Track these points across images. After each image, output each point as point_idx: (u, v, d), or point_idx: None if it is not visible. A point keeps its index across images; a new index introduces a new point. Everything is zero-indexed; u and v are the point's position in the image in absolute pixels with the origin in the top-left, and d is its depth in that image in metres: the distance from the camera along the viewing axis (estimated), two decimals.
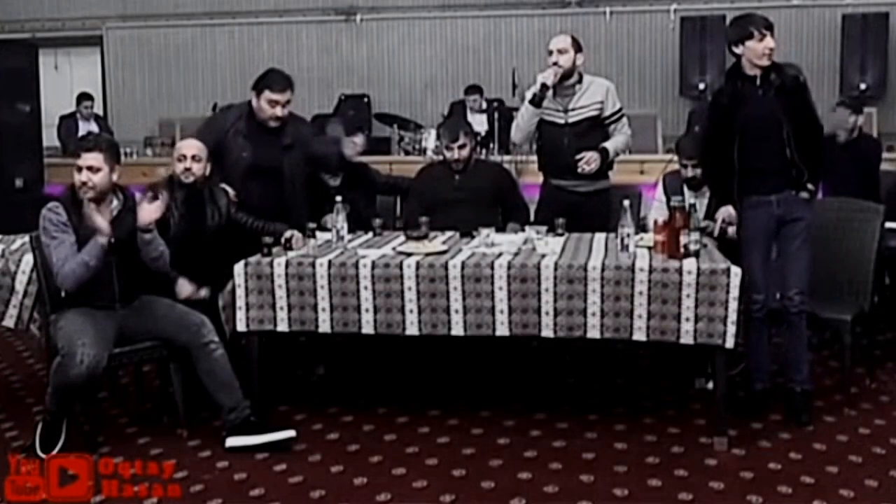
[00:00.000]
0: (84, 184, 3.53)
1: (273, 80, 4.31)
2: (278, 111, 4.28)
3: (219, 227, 4.09)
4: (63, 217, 3.52)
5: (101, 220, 3.47)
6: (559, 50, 4.39)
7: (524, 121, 4.53)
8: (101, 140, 3.74)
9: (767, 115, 3.65)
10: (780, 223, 3.74)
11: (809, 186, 3.71)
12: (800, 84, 3.72)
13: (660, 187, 4.49)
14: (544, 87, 4.36)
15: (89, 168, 3.51)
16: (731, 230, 4.21)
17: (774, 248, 3.82)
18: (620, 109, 4.52)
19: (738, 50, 3.68)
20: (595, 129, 4.46)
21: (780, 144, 3.65)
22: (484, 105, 8.42)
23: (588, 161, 4.35)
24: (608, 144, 4.45)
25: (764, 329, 3.84)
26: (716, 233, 3.90)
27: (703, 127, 3.92)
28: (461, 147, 4.61)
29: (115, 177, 3.59)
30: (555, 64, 4.36)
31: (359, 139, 4.60)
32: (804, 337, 3.79)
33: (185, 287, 3.82)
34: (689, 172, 4.33)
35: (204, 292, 3.84)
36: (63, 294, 3.56)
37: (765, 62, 3.64)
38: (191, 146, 4.09)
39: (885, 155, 5.99)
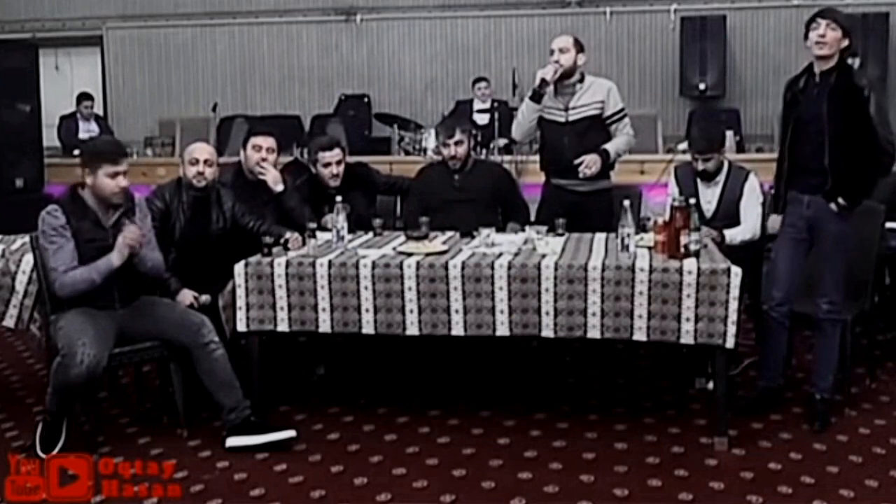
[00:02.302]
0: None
1: (256, 129, 4.65)
2: (264, 154, 4.39)
3: (223, 230, 4.11)
4: (62, 220, 3.51)
5: (126, 243, 3.49)
6: (560, 49, 4.41)
7: (524, 117, 4.55)
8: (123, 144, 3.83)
9: (812, 116, 3.56)
10: (812, 226, 3.67)
11: (840, 201, 3.55)
12: (857, 91, 3.47)
13: (672, 182, 4.49)
14: (543, 82, 4.38)
15: (125, 173, 3.54)
16: (730, 235, 4.22)
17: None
18: (623, 109, 4.52)
19: (808, 44, 3.59)
20: (596, 128, 4.47)
21: (818, 148, 3.55)
22: (489, 103, 8.41)
23: (588, 165, 4.36)
24: (609, 146, 4.45)
25: (781, 328, 3.80)
26: (709, 242, 3.88)
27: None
28: (457, 143, 4.61)
29: None
30: (556, 62, 4.38)
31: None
32: (833, 345, 3.70)
33: (186, 296, 3.85)
34: (700, 166, 4.34)
35: (204, 298, 3.85)
36: None
37: (815, 51, 3.52)
38: (203, 150, 4.12)
39: None
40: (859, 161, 3.53)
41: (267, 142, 4.42)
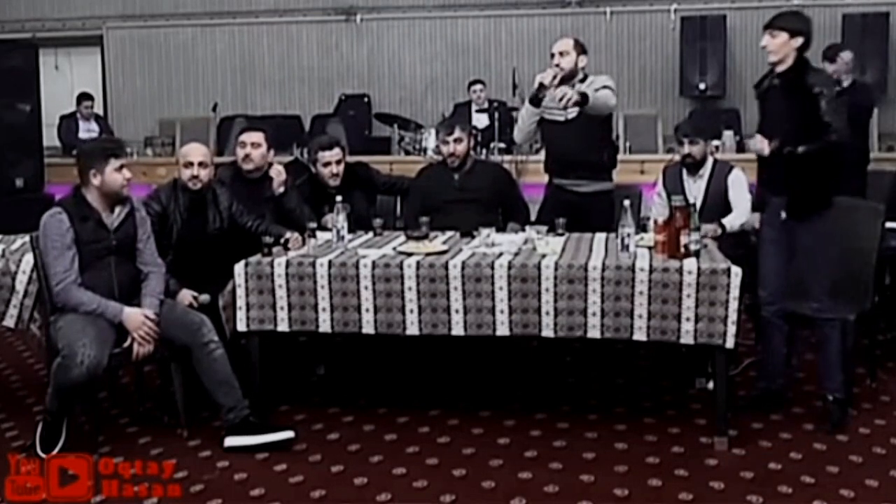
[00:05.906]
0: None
1: (243, 126, 4.67)
2: (248, 150, 4.36)
3: (220, 230, 4.11)
4: (66, 225, 3.49)
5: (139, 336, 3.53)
6: (560, 52, 4.41)
7: (524, 121, 4.55)
8: None
9: (775, 116, 3.63)
10: (792, 225, 3.68)
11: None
12: (811, 94, 3.49)
13: (659, 182, 4.53)
14: (542, 86, 4.37)
15: (127, 165, 3.62)
16: (727, 222, 4.25)
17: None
18: (607, 86, 4.36)
19: None
20: (595, 122, 4.45)
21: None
22: (486, 104, 8.42)
23: (566, 96, 4.11)
24: (588, 91, 4.25)
25: (774, 327, 3.81)
26: (707, 239, 3.88)
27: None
28: (457, 140, 4.62)
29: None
30: (556, 65, 4.37)
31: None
32: (835, 345, 3.69)
33: (185, 296, 3.86)
34: (686, 149, 4.40)
35: (203, 298, 3.86)
36: None
37: (768, 59, 3.60)
38: (197, 152, 4.09)
39: (885, 155, 5.99)
40: (818, 159, 3.53)
41: (251, 137, 4.39)
